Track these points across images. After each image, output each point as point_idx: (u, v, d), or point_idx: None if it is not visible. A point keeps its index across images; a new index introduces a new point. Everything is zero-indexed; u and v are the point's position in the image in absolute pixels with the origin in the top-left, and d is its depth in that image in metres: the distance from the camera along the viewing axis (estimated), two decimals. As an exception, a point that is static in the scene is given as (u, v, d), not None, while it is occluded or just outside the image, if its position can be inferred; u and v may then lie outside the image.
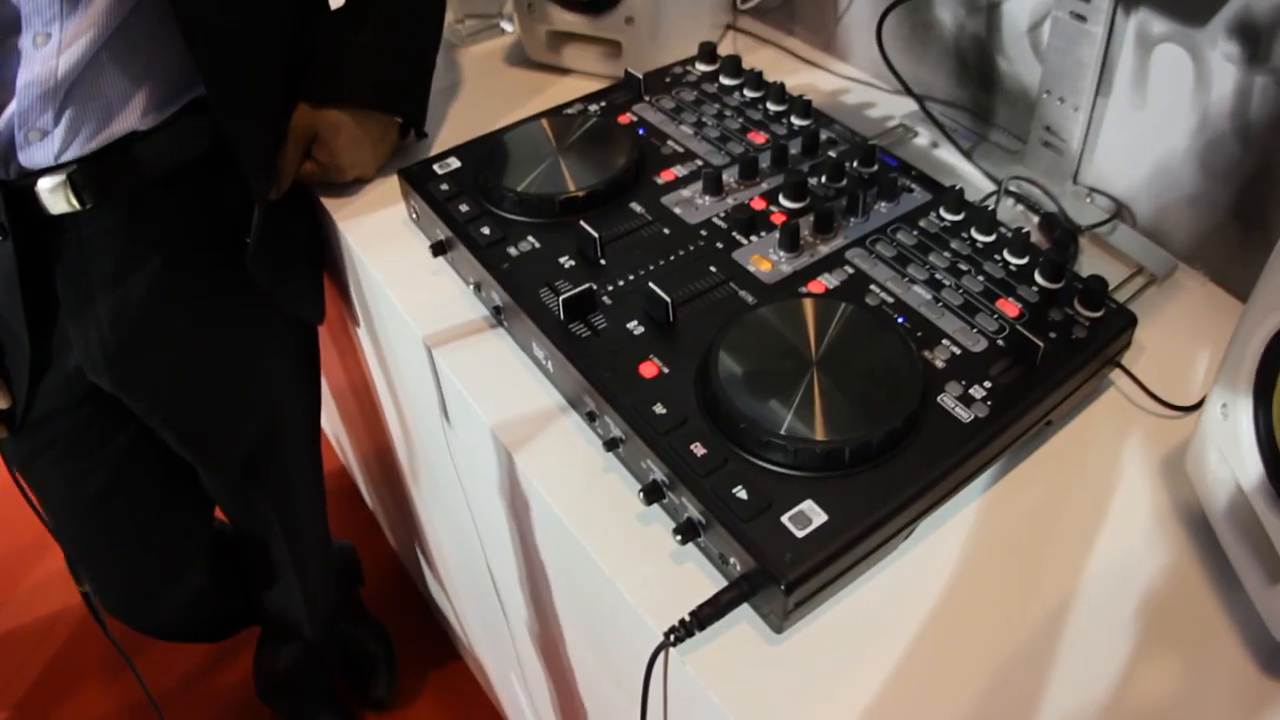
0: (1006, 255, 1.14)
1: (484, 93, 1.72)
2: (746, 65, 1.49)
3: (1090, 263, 1.29)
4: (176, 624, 1.94)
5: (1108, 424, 1.10)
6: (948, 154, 1.47)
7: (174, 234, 1.38)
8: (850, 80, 1.68)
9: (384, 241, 1.38)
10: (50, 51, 1.16)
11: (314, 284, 1.60)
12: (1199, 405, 1.08)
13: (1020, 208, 1.36)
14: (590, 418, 1.06)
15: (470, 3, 1.89)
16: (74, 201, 1.27)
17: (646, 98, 1.46)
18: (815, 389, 0.96)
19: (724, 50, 1.53)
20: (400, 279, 1.32)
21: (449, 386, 1.21)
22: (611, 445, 1.02)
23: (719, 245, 1.19)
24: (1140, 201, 1.32)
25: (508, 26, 1.88)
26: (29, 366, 1.41)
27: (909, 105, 1.55)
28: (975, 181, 1.42)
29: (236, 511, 1.84)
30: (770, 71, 1.47)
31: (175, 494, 1.76)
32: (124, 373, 1.44)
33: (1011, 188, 1.38)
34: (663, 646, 0.88)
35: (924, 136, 1.51)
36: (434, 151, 1.37)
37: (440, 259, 1.30)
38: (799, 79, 1.67)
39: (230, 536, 1.97)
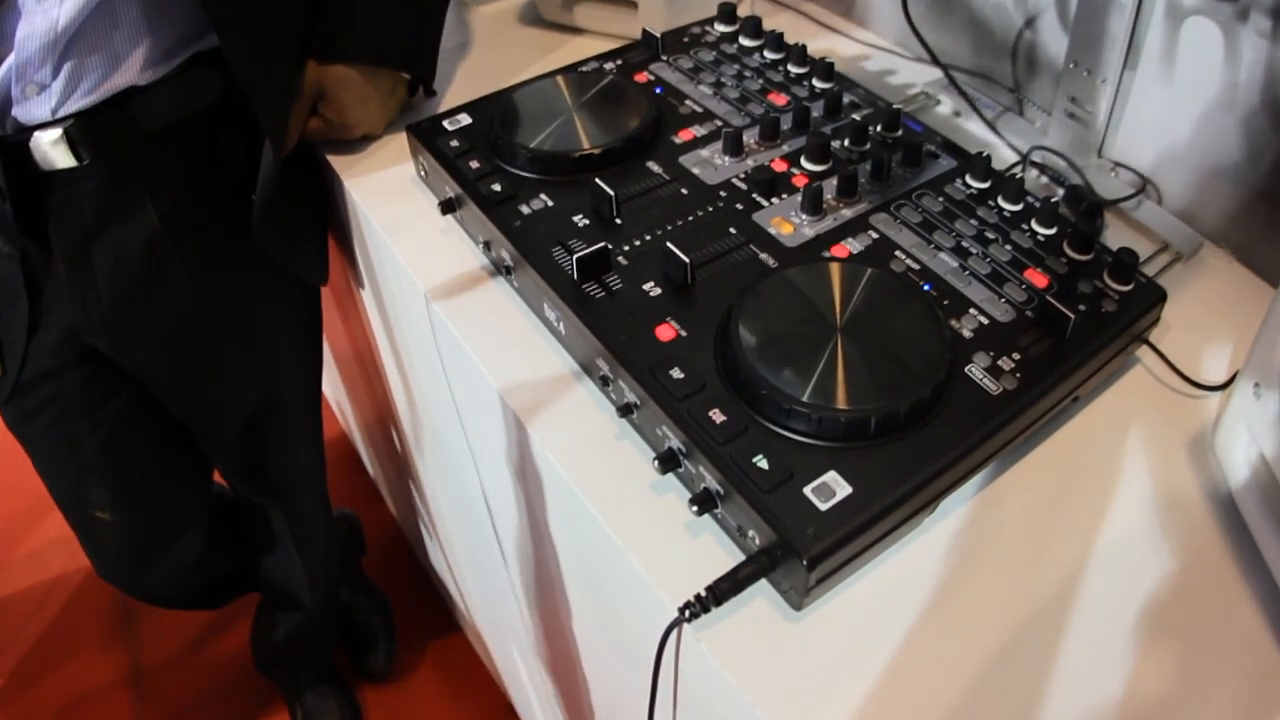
0: (1034, 225, 1.11)
1: (495, 52, 1.69)
2: (765, 29, 1.45)
3: (1114, 238, 1.26)
4: (173, 591, 1.93)
5: (1133, 401, 1.07)
6: (971, 123, 1.45)
7: (173, 191, 1.36)
8: (871, 47, 1.66)
9: (391, 199, 1.35)
10: (51, 4, 1.14)
11: (318, 244, 1.57)
12: (1226, 385, 1.06)
13: (1044, 179, 1.33)
14: (604, 382, 1.03)
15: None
16: (71, 157, 1.25)
17: (664, 57, 1.43)
18: (839, 356, 0.93)
19: (742, 13, 1.50)
20: (407, 237, 1.29)
21: (456, 348, 1.18)
22: (625, 411, 0.99)
23: (739, 207, 1.16)
24: (1166, 177, 1.29)
25: (521, -15, 1.85)
26: (26, 329, 1.39)
27: (931, 73, 1.53)
28: (999, 152, 1.39)
29: (235, 476, 1.82)
30: (789, 36, 1.44)
31: (173, 458, 1.74)
32: (120, 333, 1.43)
33: (1036, 159, 1.35)
34: (677, 622, 0.86)
35: (946, 105, 1.48)
36: (443, 110, 1.34)
37: (449, 217, 1.27)
38: (818, 44, 1.64)
39: (229, 501, 1.96)
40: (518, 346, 1.13)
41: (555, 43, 1.70)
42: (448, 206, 1.25)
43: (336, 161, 1.44)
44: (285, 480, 1.82)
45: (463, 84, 1.60)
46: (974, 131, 1.43)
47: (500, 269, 1.19)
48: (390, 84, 1.44)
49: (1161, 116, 1.26)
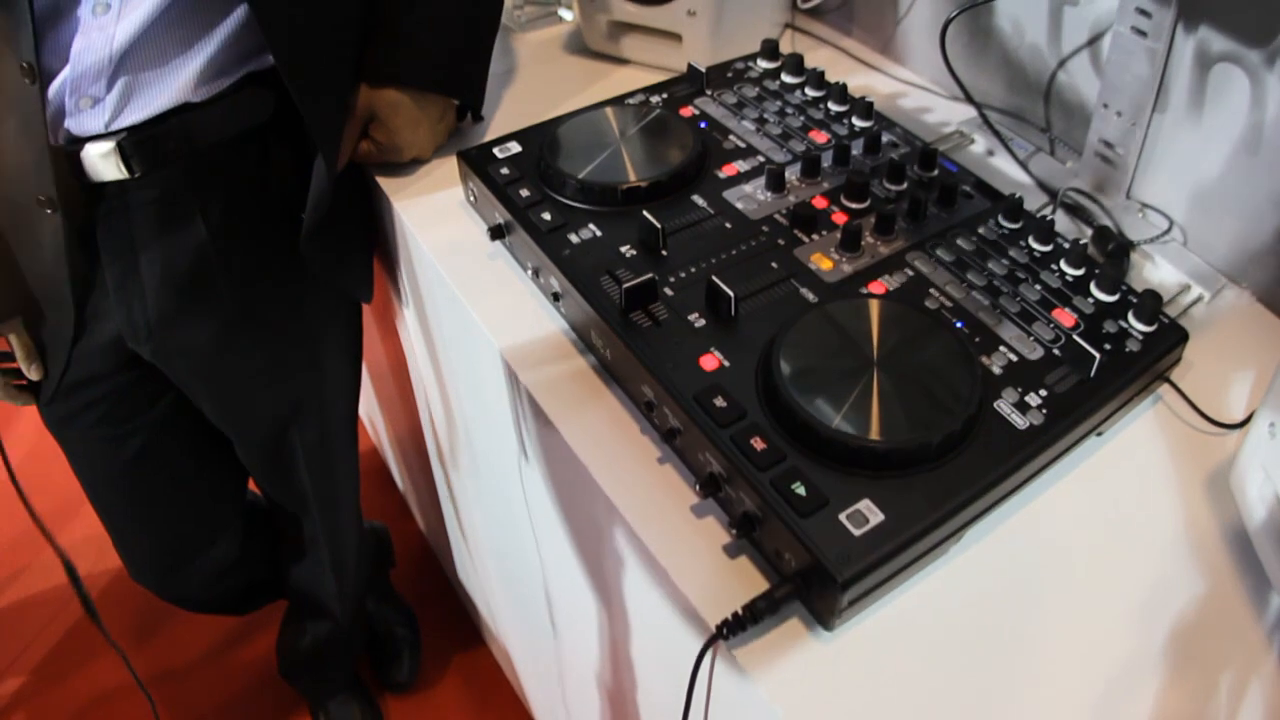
0: (1063, 265, 1.15)
1: (542, 80, 1.72)
2: (806, 65, 1.49)
3: (1140, 277, 1.29)
4: (203, 595, 1.95)
5: (1154, 437, 1.10)
6: (1003, 162, 1.47)
7: (222, 206, 1.38)
8: (907, 84, 1.68)
9: (440, 223, 1.39)
10: (108, 20, 1.17)
11: (364, 263, 1.60)
12: (1244, 423, 1.08)
13: (1074, 219, 1.36)
14: (648, 408, 1.06)
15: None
16: (122, 169, 1.27)
17: (708, 92, 1.47)
18: (875, 389, 0.96)
19: (783, 49, 1.54)
20: (456, 262, 1.32)
21: (499, 367, 1.21)
22: (669, 436, 1.03)
23: (780, 242, 1.19)
24: (1192, 218, 1.32)
25: (566, 15, 1.89)
26: (71, 335, 1.42)
27: (966, 112, 1.55)
28: (1030, 191, 1.41)
29: (271, 484, 1.84)
30: (829, 72, 1.47)
31: (210, 463, 1.77)
32: (165, 342, 1.45)
33: (1066, 200, 1.37)
34: (714, 639, 0.89)
35: (980, 144, 1.51)
36: (489, 136, 1.38)
37: (498, 243, 1.31)
38: (856, 80, 1.66)
39: (262, 508, 1.98)
40: (565, 372, 1.16)
41: (600, 72, 1.74)
42: (497, 233, 1.29)
43: (386, 184, 1.47)
44: (319, 491, 1.83)
45: (509, 110, 1.63)
46: (1007, 171, 1.46)
47: (548, 295, 1.22)
48: (440, 109, 1.48)
49: (1189, 159, 1.29)
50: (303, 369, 1.64)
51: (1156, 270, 1.30)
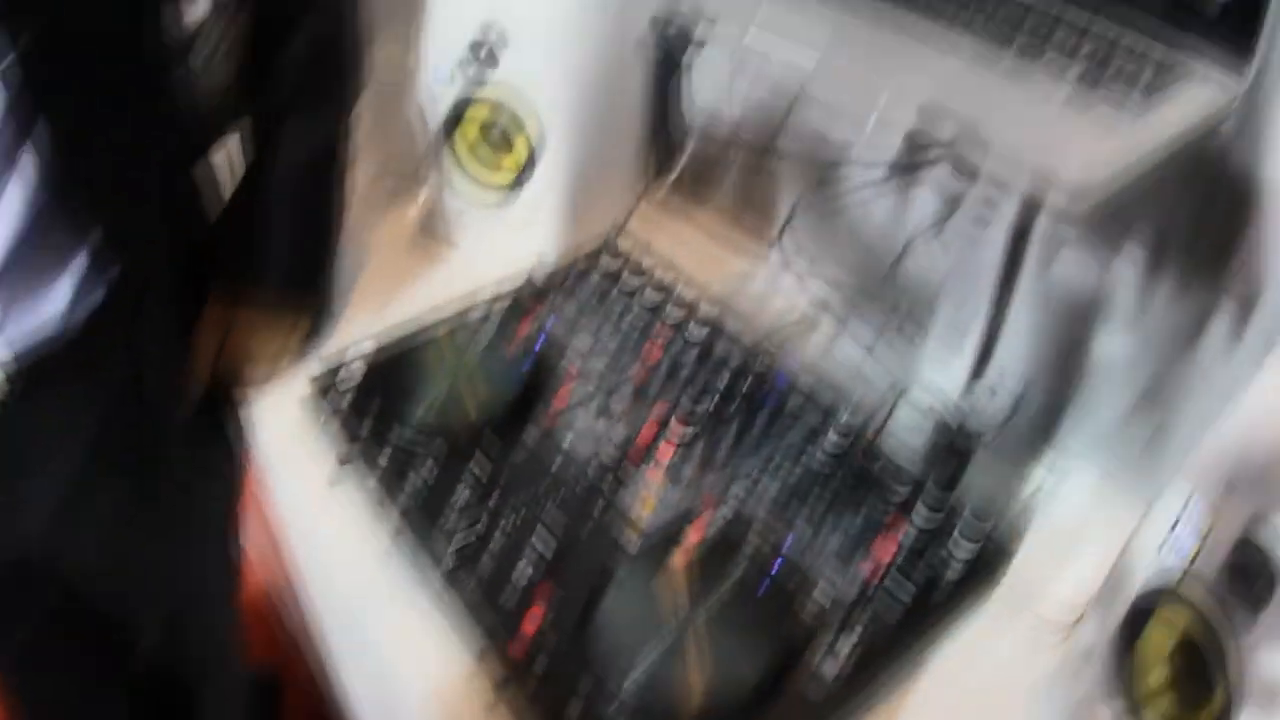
0: (892, 485, 1.18)
1: (396, 273, 1.73)
2: (657, 242, 1.54)
3: (985, 464, 1.29)
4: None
5: (990, 638, 1.11)
6: (850, 347, 1.49)
7: (101, 417, 1.38)
8: (758, 260, 1.69)
9: (292, 441, 1.40)
10: None
11: (232, 465, 1.61)
12: (1079, 621, 1.09)
13: (915, 412, 1.38)
14: (479, 658, 1.07)
15: (389, 160, 1.90)
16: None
17: (550, 297, 1.50)
18: (684, 651, 0.99)
19: (635, 225, 1.58)
20: (303, 486, 1.34)
21: (346, 601, 1.22)
22: (497, 690, 1.03)
23: (605, 483, 1.22)
24: (1037, 401, 1.34)
25: (424, 193, 1.89)
26: None
27: (815, 291, 1.57)
28: (875, 377, 1.43)
29: (158, 660, 1.84)
30: (678, 251, 1.51)
31: (95, 646, 1.76)
32: (48, 547, 1.45)
33: (906, 394, 1.38)
34: None
35: (827, 328, 1.53)
36: (346, 335, 1.42)
37: (346, 467, 1.31)
38: (706, 258, 1.67)
39: (149, 676, 1.98)
40: (399, 608, 1.16)
41: (454, 261, 1.75)
42: (342, 460, 1.30)
43: (242, 396, 1.48)
44: (205, 657, 1.83)
45: (364, 303, 1.62)
46: (852, 356, 1.48)
47: (388, 533, 1.22)
48: (291, 321, 1.49)
49: (1034, 342, 1.33)
50: (186, 563, 1.64)
51: (1002, 456, 1.31)
